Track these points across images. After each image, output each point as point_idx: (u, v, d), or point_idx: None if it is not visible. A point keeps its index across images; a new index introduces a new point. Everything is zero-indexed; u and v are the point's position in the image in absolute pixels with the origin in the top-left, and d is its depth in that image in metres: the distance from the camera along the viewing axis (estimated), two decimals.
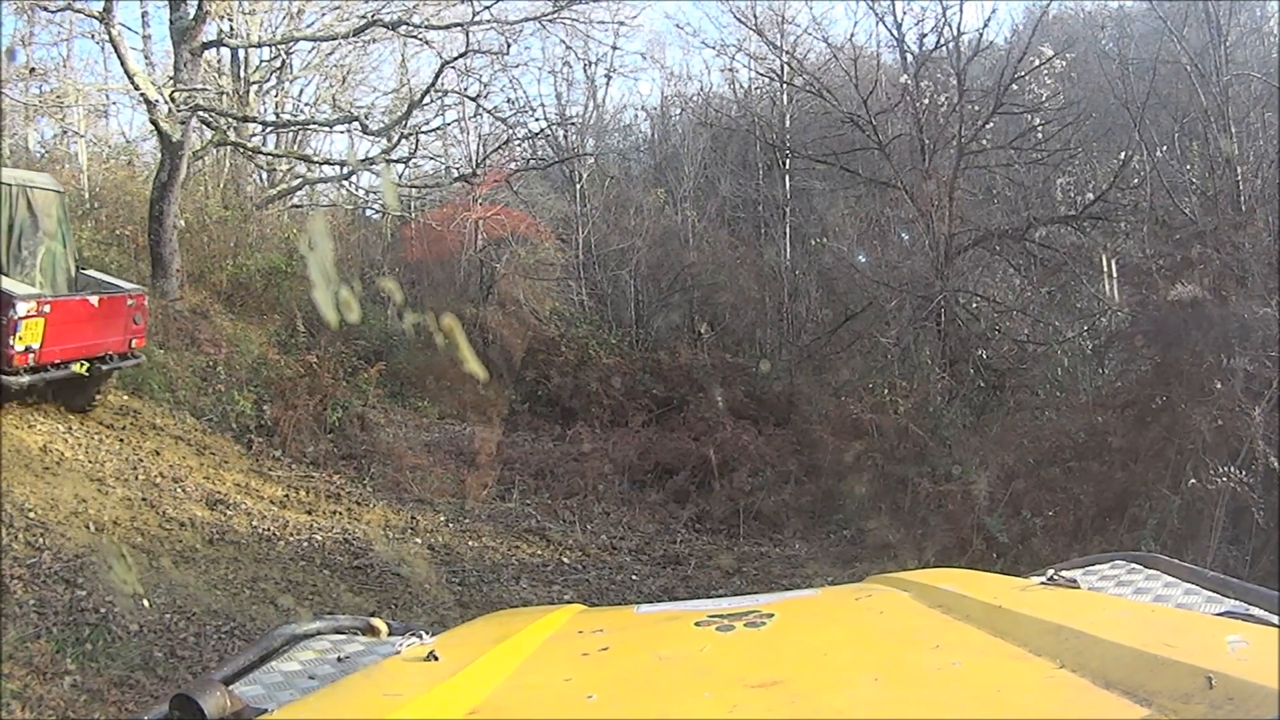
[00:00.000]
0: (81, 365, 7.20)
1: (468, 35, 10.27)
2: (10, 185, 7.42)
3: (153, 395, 7.88)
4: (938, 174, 9.47)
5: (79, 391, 7.32)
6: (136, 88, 8.57)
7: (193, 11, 8.89)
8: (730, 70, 14.28)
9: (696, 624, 1.49)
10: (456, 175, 12.68)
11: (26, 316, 6.72)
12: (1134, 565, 1.89)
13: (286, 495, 7.40)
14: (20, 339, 6.67)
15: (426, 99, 10.93)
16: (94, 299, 7.41)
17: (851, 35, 12.82)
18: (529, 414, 10.41)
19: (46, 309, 6.92)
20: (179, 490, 6.70)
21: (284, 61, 12.45)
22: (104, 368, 7.41)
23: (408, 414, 10.30)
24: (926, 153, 9.95)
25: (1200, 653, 1.00)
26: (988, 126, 9.69)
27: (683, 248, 12.50)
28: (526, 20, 10.72)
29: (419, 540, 7.15)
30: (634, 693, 1.20)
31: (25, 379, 6.81)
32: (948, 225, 9.13)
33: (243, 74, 12.15)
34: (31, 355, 6.75)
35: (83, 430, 6.89)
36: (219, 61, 12.00)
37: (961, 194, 9.52)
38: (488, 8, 10.07)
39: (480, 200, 12.33)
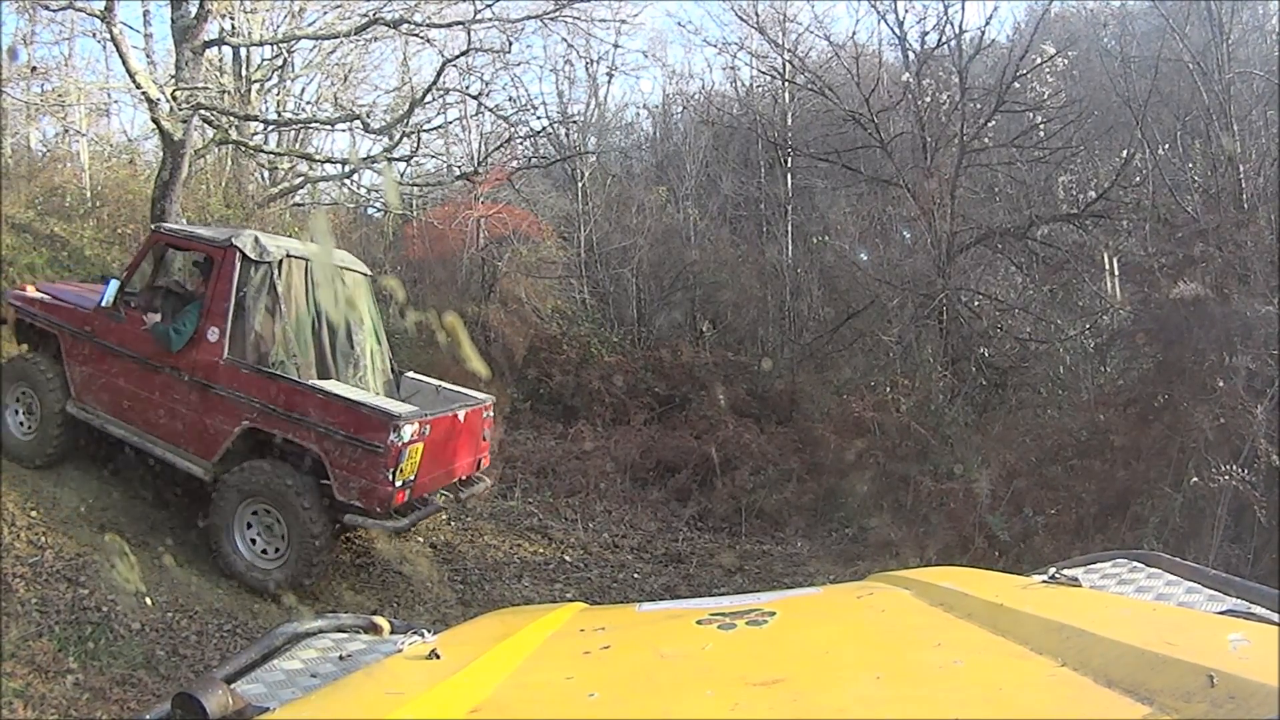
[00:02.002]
0: (442, 497, 6.47)
1: (469, 33, 10.24)
2: (325, 264, 6.35)
3: None
4: (939, 172, 9.46)
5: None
6: (138, 86, 8.54)
7: (194, 10, 8.87)
8: (732, 68, 14.34)
9: (698, 622, 1.49)
10: (458, 174, 12.66)
11: (411, 442, 5.56)
12: (1135, 564, 1.89)
13: None
14: (401, 472, 5.53)
15: (428, 97, 10.89)
16: (460, 413, 6.38)
17: (853, 33, 12.86)
18: (530, 412, 10.40)
19: (427, 430, 5.77)
20: (180, 490, 6.69)
21: (285, 60, 12.44)
22: (461, 494, 6.63)
23: None
24: (928, 151, 9.94)
25: (1202, 651, 1.00)
26: (990, 124, 9.68)
27: (684, 246, 12.50)
28: (528, 18, 10.68)
29: (420, 539, 7.15)
30: (636, 691, 1.20)
31: (404, 522, 5.84)
32: (950, 223, 9.12)
33: (244, 72, 12.15)
34: (408, 491, 5.69)
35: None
36: (220, 60, 12.00)
37: (963, 192, 9.51)
38: (489, 6, 10.03)
39: (482, 199, 12.31)
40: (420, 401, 6.51)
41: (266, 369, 5.82)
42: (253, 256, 5.97)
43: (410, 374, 7.15)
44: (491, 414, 6.90)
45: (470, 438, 6.55)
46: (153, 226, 6.85)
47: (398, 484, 5.49)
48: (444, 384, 7.04)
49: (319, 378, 6.05)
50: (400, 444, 5.45)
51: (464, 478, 6.62)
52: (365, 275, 7.05)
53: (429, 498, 6.20)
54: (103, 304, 6.14)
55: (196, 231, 6.53)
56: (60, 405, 6.23)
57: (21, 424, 6.37)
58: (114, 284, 6.19)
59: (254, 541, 5.73)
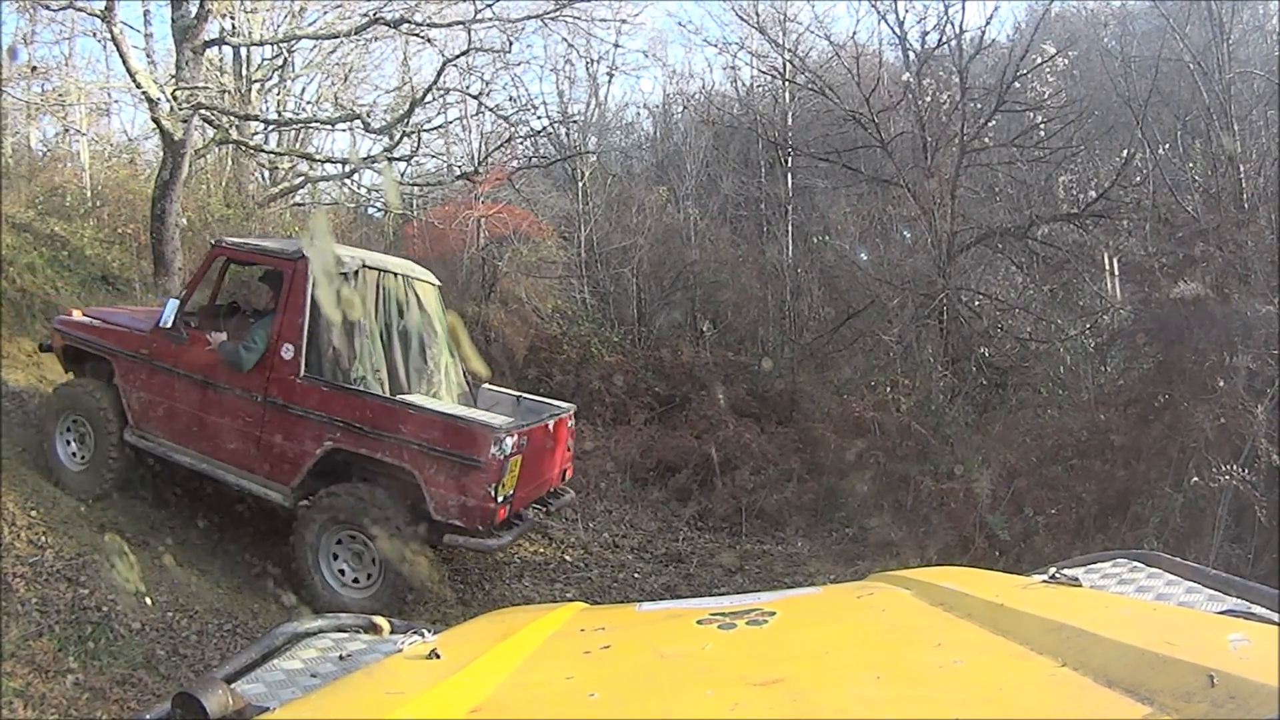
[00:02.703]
0: (533, 511, 6.15)
1: (470, 33, 10.26)
2: (397, 274, 6.23)
3: None
4: (940, 172, 9.46)
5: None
6: (138, 86, 8.55)
7: (194, 10, 8.88)
8: (732, 68, 14.34)
9: (698, 622, 1.49)
10: (458, 173, 12.67)
11: (511, 455, 5.34)
12: (1136, 563, 1.89)
13: None
14: (503, 487, 5.31)
15: (428, 97, 10.91)
16: (550, 424, 6.17)
17: (854, 33, 12.86)
18: None
19: (524, 442, 5.54)
20: (179, 490, 6.69)
21: (286, 60, 12.46)
22: (550, 507, 6.37)
23: None
24: (929, 151, 9.94)
25: (1202, 651, 1.00)
26: (990, 124, 9.68)
27: (685, 246, 12.49)
28: (528, 18, 10.70)
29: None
30: (636, 691, 1.20)
31: (506, 539, 5.61)
32: (950, 223, 9.12)
33: (244, 72, 12.17)
34: (509, 507, 5.47)
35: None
36: (221, 60, 12.01)
37: (964, 192, 9.51)
38: (489, 6, 10.05)
39: (482, 198, 12.32)
40: (502, 413, 6.26)
41: (349, 385, 5.56)
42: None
43: (486, 385, 6.92)
44: (574, 423, 6.75)
45: (559, 448, 6.39)
46: (212, 241, 6.46)
47: (499, 499, 5.28)
48: (523, 394, 6.88)
49: (393, 393, 5.78)
50: (502, 457, 5.25)
51: (552, 490, 6.44)
52: (434, 285, 6.71)
53: (523, 512, 5.96)
54: (162, 325, 5.84)
55: (262, 244, 6.28)
56: (116, 433, 5.99)
57: (74, 454, 6.13)
58: (173, 303, 5.90)
59: (342, 572, 5.48)
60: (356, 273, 5.85)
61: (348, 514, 5.40)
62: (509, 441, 5.31)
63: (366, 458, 5.46)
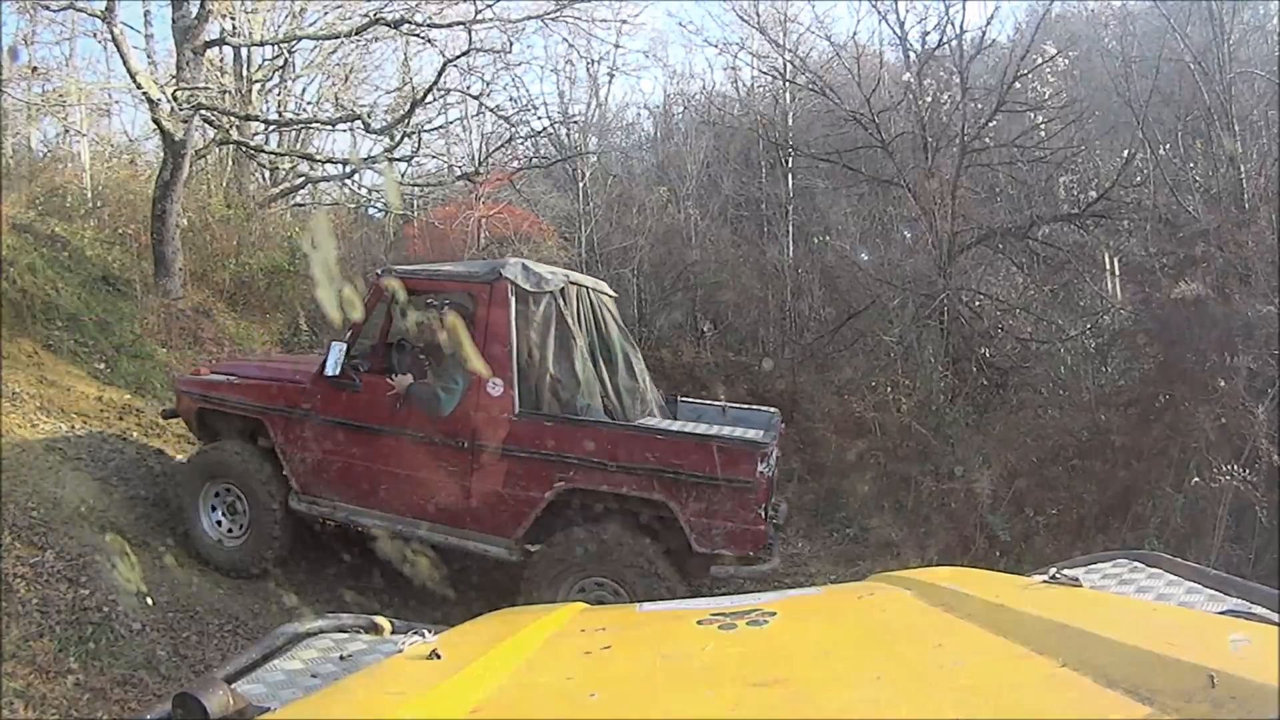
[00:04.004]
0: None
1: (470, 34, 10.27)
2: (589, 289, 5.67)
3: (156, 395, 7.88)
4: (940, 172, 9.46)
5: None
6: (139, 87, 8.57)
7: (195, 10, 8.89)
8: (733, 69, 14.32)
9: (699, 623, 1.49)
10: (459, 174, 12.68)
11: (773, 470, 4.92)
12: (1136, 564, 1.89)
13: None
14: (771, 505, 4.85)
15: (429, 97, 10.92)
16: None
17: (854, 34, 12.85)
18: None
19: (776, 456, 5.04)
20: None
21: (286, 60, 12.46)
22: (777, 521, 5.54)
23: None
24: (929, 151, 9.93)
25: (1202, 651, 1.00)
26: (990, 125, 9.67)
27: (685, 246, 12.49)
28: (529, 19, 10.72)
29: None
30: (636, 691, 1.21)
31: (776, 560, 4.99)
32: (950, 223, 9.11)
33: (245, 73, 12.17)
34: (772, 526, 4.97)
35: (85, 430, 6.88)
36: (221, 60, 12.02)
37: (964, 192, 9.50)
38: (490, 6, 10.06)
39: (483, 199, 12.33)
40: (715, 425, 5.77)
41: (578, 417, 5.04)
42: (528, 288, 5.14)
43: (682, 398, 6.48)
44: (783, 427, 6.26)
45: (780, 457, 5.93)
46: (378, 271, 5.85)
47: (766, 519, 4.78)
48: (727, 403, 6.36)
49: (613, 418, 5.29)
50: (769, 475, 4.80)
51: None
52: (613, 296, 6.17)
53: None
54: (327, 373, 5.24)
55: (441, 269, 5.64)
56: (278, 501, 5.45)
57: (225, 528, 5.61)
58: (338, 347, 5.26)
59: None
60: (563, 290, 5.34)
61: (592, 562, 4.78)
62: (773, 457, 4.91)
63: (608, 495, 4.87)
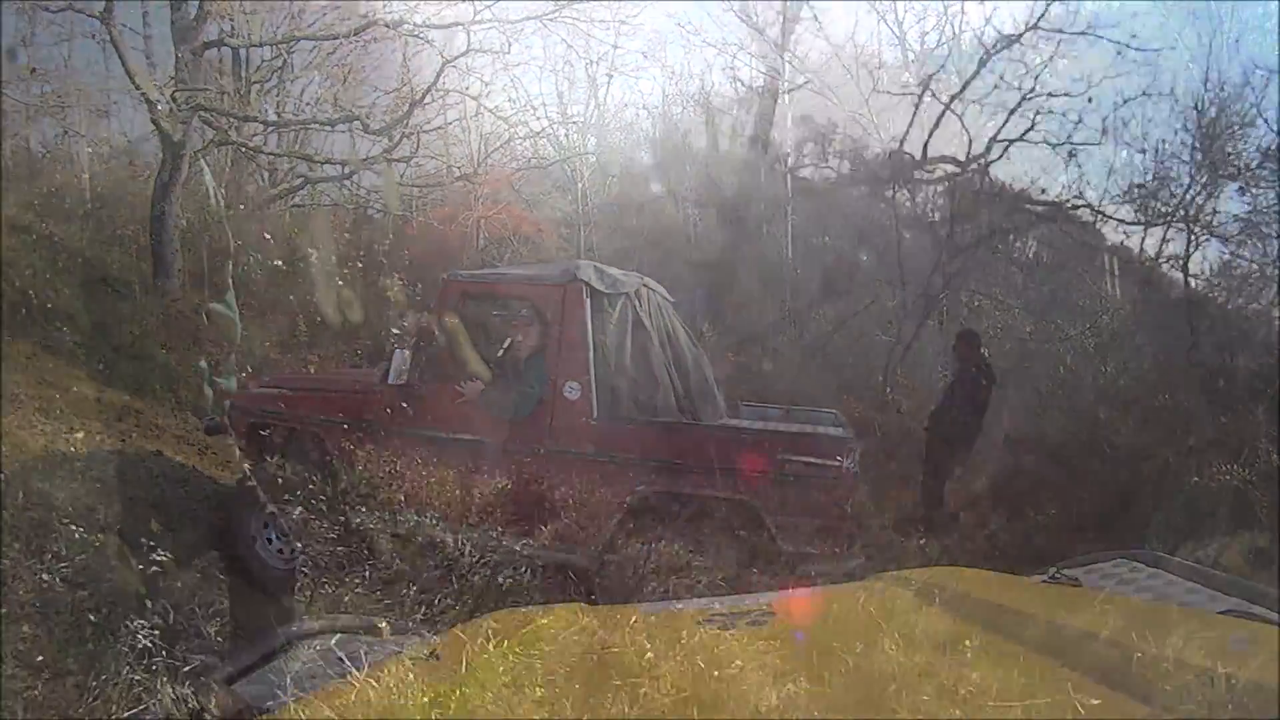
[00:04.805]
0: None
1: (469, 34, 10.27)
2: (656, 290, 5.59)
3: (155, 395, 7.87)
4: (940, 172, 9.46)
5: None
6: (137, 87, 8.56)
7: (193, 11, 8.90)
8: (731, 69, 14.28)
9: (699, 623, 1.49)
10: (458, 174, 12.66)
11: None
12: (1136, 564, 1.89)
13: None
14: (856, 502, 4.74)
15: (428, 98, 10.91)
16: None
17: (853, 34, 12.85)
18: None
19: (859, 451, 4.94)
20: (182, 491, 6.68)
21: (285, 61, 12.43)
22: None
23: None
24: (928, 150, 9.93)
25: (1202, 651, 1.00)
26: (990, 123, 9.68)
27: (684, 246, 12.48)
28: (528, 19, 10.72)
29: (420, 538, 7.12)
30: (636, 691, 1.20)
31: (861, 558, 5.01)
32: (950, 223, 9.12)
33: (244, 73, 12.14)
34: (854, 523, 4.98)
35: (85, 431, 6.87)
36: (220, 61, 11.99)
37: (964, 192, 9.51)
38: (489, 7, 10.06)
39: (482, 199, 12.31)
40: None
41: (659, 418, 4.95)
42: (603, 289, 5.05)
43: (744, 402, 6.37)
44: None
45: None
46: (444, 277, 5.62)
47: (852, 516, 4.70)
48: (790, 406, 6.26)
49: (691, 419, 5.16)
50: (855, 470, 4.80)
51: None
52: (669, 299, 6.06)
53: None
54: (393, 382, 5.07)
55: (509, 272, 5.64)
56: (338, 518, 5.02)
57: (279, 551, 5.20)
58: (402, 354, 5.10)
59: None
60: (637, 292, 5.26)
61: (673, 567, 4.58)
62: (858, 452, 4.85)
63: (689, 497, 4.76)
